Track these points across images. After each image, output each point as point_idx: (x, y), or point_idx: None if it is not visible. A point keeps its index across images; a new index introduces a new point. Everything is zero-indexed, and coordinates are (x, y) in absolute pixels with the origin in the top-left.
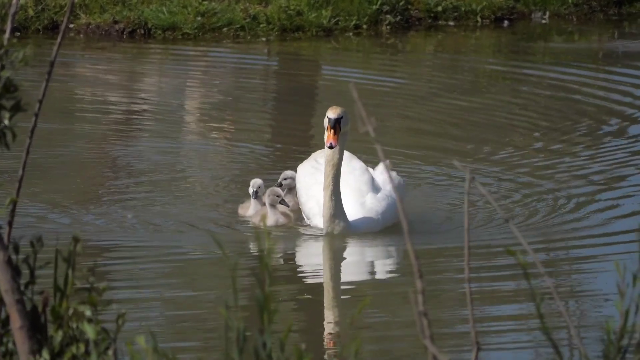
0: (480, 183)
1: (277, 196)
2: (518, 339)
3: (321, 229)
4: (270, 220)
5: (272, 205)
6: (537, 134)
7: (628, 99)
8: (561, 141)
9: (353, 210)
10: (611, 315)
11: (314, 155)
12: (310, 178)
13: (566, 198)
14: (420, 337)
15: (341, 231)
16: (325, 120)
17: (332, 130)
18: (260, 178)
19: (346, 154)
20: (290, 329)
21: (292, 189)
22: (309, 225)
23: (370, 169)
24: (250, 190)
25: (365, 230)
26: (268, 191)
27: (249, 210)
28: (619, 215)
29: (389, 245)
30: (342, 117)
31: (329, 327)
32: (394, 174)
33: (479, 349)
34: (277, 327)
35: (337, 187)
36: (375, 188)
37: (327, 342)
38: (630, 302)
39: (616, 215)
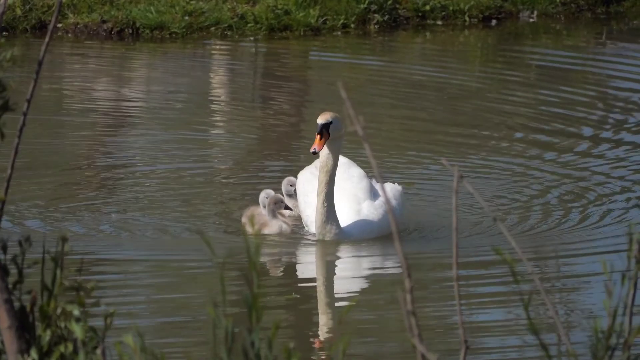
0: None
1: (282, 202)
2: (506, 339)
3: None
4: (274, 228)
5: (274, 213)
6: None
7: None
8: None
9: (348, 217)
10: (599, 314)
11: (315, 162)
12: (308, 185)
13: (559, 196)
14: (408, 335)
15: (333, 237)
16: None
17: (318, 136)
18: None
19: (345, 160)
20: (278, 327)
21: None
22: (307, 232)
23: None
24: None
25: (359, 237)
26: (269, 199)
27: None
28: (613, 214)
29: (382, 251)
30: (331, 123)
31: (318, 329)
32: (391, 185)
33: (467, 349)
34: (268, 331)
35: (330, 194)
36: (373, 195)
37: (316, 342)
38: (619, 301)
39: (610, 214)
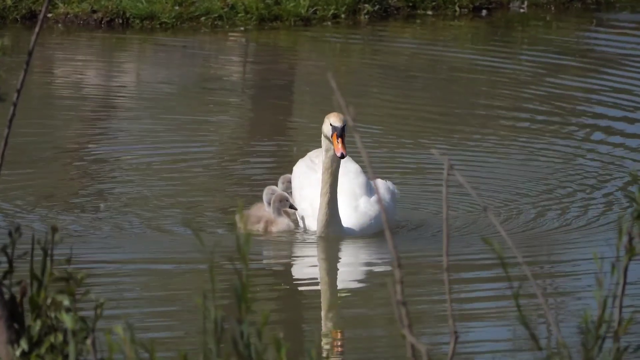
0: (457, 173)
1: (287, 200)
2: (496, 329)
3: (314, 231)
4: (282, 226)
5: (279, 211)
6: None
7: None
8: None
9: (346, 214)
10: (589, 305)
11: (309, 154)
12: (304, 178)
13: (550, 191)
14: (399, 326)
15: (334, 236)
16: (325, 128)
17: (339, 139)
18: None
19: None
20: (267, 318)
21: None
22: (308, 229)
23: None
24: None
25: (359, 234)
26: (274, 197)
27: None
28: (604, 209)
29: (380, 248)
30: (345, 124)
31: (312, 323)
32: (382, 182)
33: (457, 338)
34: (265, 328)
35: (334, 194)
36: (369, 191)
37: (332, 334)
38: (608, 292)
39: (601, 208)
